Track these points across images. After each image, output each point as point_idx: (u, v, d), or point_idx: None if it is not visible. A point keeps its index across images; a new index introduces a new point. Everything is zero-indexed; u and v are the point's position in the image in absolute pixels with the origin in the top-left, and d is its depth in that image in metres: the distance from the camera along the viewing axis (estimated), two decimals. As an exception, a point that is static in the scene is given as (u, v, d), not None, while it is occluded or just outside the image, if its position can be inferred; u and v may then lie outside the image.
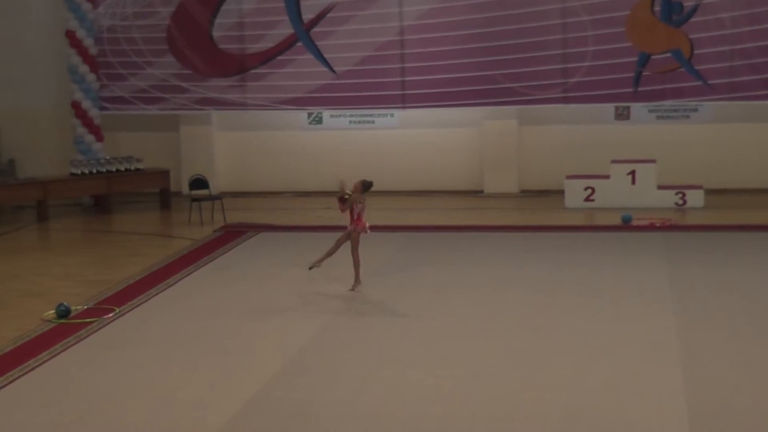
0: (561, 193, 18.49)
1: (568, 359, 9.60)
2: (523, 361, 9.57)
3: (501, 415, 8.24)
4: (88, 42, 19.94)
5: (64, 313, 11.35)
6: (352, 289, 12.20)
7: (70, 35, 19.85)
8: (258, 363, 9.65)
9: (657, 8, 18.60)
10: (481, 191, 19.99)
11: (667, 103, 19.11)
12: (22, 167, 20.69)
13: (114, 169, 19.05)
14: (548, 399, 8.54)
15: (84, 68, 19.95)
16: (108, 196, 19.06)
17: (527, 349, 9.93)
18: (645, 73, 18.72)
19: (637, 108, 19.50)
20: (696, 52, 18.53)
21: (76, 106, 20.01)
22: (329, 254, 12.35)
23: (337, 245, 12.35)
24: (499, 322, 10.90)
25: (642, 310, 11.24)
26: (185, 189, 18.90)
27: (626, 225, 16.33)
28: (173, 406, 8.60)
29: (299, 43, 19.70)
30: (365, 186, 12.40)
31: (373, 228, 16.50)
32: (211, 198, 17.79)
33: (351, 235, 12.28)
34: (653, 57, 18.70)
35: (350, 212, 12.32)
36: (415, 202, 19.30)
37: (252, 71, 19.91)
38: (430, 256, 14.40)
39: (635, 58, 18.71)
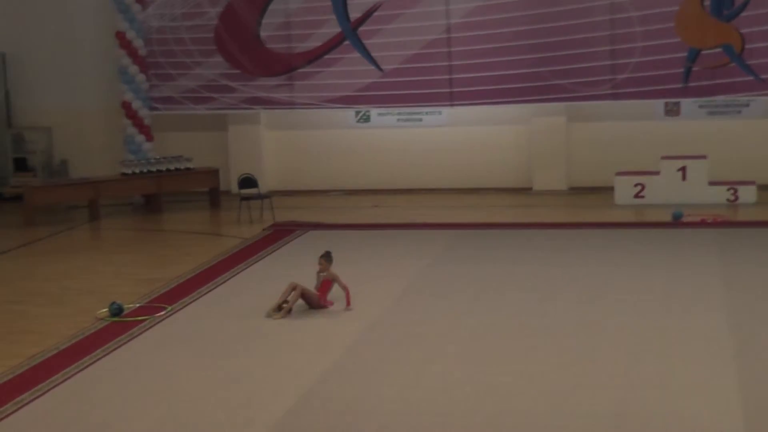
0: (610, 189, 18.37)
1: (620, 356, 9.54)
2: (574, 358, 9.52)
3: (552, 412, 8.21)
4: (138, 43, 20.13)
5: (117, 311, 11.47)
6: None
7: (120, 36, 20.04)
8: (308, 360, 9.69)
9: (707, 3, 18.41)
10: (530, 188, 19.91)
11: (718, 99, 18.91)
12: (75, 167, 20.94)
13: (164, 169, 19.19)
14: (600, 396, 8.50)
15: (134, 69, 20.13)
16: (158, 195, 19.21)
17: (578, 346, 9.88)
18: (695, 69, 18.54)
19: (688, 104, 19.32)
20: (747, 46, 18.31)
21: (126, 106, 20.20)
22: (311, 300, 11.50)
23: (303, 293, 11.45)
24: (549, 319, 10.85)
25: (694, 307, 11.14)
26: (234, 188, 19.01)
27: (677, 222, 16.19)
28: (225, 403, 8.66)
29: (346, 42, 19.74)
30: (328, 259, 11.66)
31: (423, 226, 16.56)
32: (260, 197, 17.87)
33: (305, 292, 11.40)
34: (703, 52, 18.51)
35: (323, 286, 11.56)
36: (463, 200, 19.27)
37: (299, 70, 19.98)
38: (479, 253, 14.36)
39: (685, 54, 18.53)
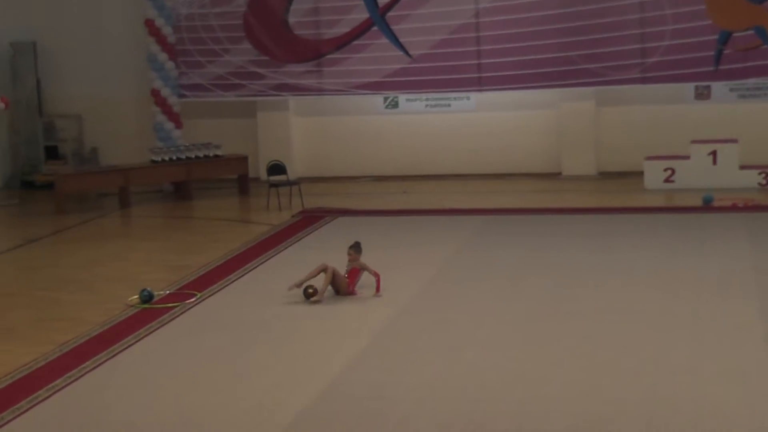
0: (640, 174, 18.26)
1: (650, 341, 9.50)
2: (603, 343, 9.50)
3: (581, 398, 8.19)
4: (167, 30, 20.19)
5: (147, 298, 11.54)
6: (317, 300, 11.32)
7: (149, 24, 20.11)
8: (337, 347, 9.72)
9: (738, -15, 18.24)
10: (559, 173, 19.83)
11: (750, 82, 18.73)
12: (105, 155, 21.07)
13: (193, 156, 19.25)
14: (630, 381, 8.47)
15: (163, 56, 20.20)
16: (187, 182, 19.28)
17: (607, 331, 9.85)
18: (726, 51, 18.38)
19: (718, 87, 19.14)
20: (779, 28, 18.14)
21: (155, 94, 20.28)
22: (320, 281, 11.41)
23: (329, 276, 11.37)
24: (578, 305, 10.82)
25: (724, 292, 11.07)
26: (263, 175, 19.05)
27: (707, 206, 16.09)
28: (255, 389, 8.71)
29: (374, 28, 19.71)
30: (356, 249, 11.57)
31: (452, 211, 16.55)
32: (289, 183, 17.91)
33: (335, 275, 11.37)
34: (735, 34, 18.34)
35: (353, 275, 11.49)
36: (492, 185, 19.22)
37: (328, 56, 19.98)
38: (508, 239, 14.34)
39: (716, 36, 18.37)
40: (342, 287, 11.44)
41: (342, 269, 11.54)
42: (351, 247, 11.62)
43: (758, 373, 8.52)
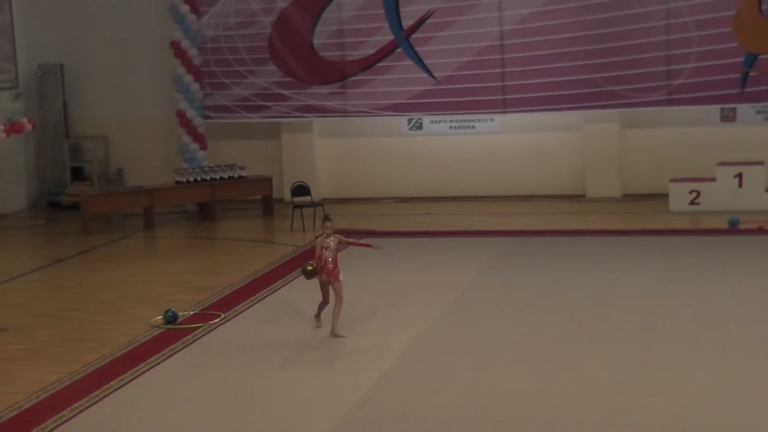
0: (665, 196, 18.19)
1: (676, 363, 9.44)
2: (629, 365, 9.44)
3: (607, 420, 8.14)
4: (192, 52, 20.30)
5: (171, 318, 11.57)
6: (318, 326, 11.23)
7: (175, 46, 20.23)
8: (361, 368, 9.70)
9: (765, 7, 18.17)
10: (583, 195, 19.77)
11: (776, 104, 18.66)
12: (130, 176, 21.16)
13: (218, 177, 19.31)
14: (656, 404, 8.41)
15: (188, 78, 20.30)
16: (212, 203, 19.34)
17: (633, 353, 9.80)
18: (752, 74, 18.30)
19: (744, 109, 19.06)
20: (805, 51, 18.06)
21: (181, 115, 20.38)
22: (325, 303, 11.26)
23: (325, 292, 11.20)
24: (603, 326, 10.77)
25: (751, 314, 11.00)
26: (287, 196, 19.09)
27: (733, 229, 15.99)
28: (278, 411, 8.70)
29: (399, 50, 19.75)
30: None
31: (476, 233, 16.51)
32: (313, 204, 17.94)
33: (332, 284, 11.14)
34: (761, 57, 18.28)
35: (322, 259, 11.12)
36: (516, 207, 19.18)
37: (352, 78, 20.04)
38: (532, 261, 14.29)
39: (741, 59, 18.31)
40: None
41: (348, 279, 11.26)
42: (326, 220, 11.13)
43: (786, 397, 8.45)
